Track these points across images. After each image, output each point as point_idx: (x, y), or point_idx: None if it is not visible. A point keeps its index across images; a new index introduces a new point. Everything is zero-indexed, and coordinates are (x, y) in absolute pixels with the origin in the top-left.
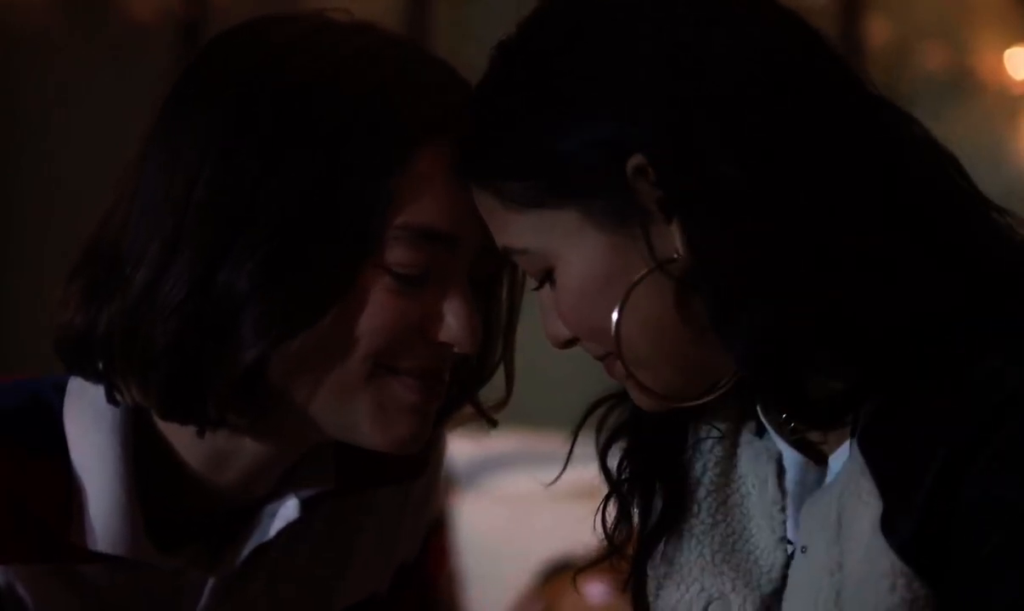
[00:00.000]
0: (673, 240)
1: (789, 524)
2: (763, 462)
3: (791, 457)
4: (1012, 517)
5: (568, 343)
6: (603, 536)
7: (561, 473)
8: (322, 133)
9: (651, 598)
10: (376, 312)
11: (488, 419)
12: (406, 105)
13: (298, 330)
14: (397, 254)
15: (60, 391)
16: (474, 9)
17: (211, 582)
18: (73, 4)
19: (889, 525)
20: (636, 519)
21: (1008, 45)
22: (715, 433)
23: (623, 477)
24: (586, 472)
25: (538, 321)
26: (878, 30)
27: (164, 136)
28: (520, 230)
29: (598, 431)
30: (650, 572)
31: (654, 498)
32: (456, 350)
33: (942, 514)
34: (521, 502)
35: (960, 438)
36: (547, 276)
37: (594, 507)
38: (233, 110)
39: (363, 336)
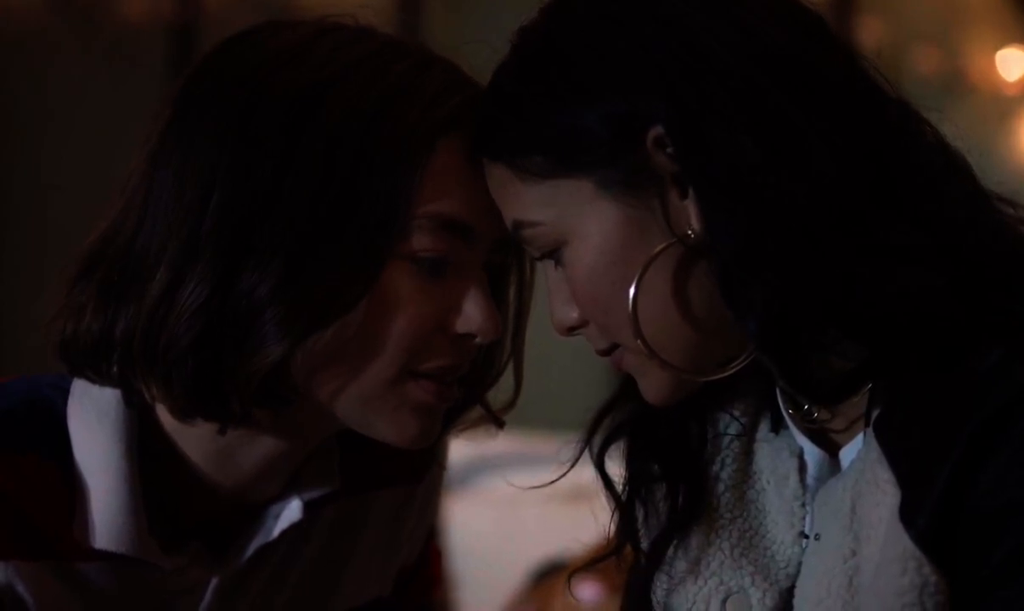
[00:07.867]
0: (687, 215)
1: (808, 518)
2: (784, 458)
3: (812, 452)
4: None
5: (573, 329)
6: (611, 536)
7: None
8: (338, 131)
9: (661, 595)
10: (402, 309)
11: (496, 420)
12: (421, 102)
13: (322, 328)
14: (419, 241)
15: (58, 390)
16: (466, 12)
17: (215, 581)
18: (67, 6)
19: (908, 514)
20: (640, 520)
21: (1000, 46)
22: (733, 429)
23: (628, 478)
24: (577, 474)
25: (533, 323)
26: (870, 32)
27: (176, 139)
28: (534, 202)
29: (591, 434)
30: (661, 569)
31: (664, 496)
32: (478, 340)
33: (958, 505)
34: (512, 503)
35: (975, 432)
36: (556, 253)
37: (585, 508)
38: (247, 110)
39: (390, 336)
